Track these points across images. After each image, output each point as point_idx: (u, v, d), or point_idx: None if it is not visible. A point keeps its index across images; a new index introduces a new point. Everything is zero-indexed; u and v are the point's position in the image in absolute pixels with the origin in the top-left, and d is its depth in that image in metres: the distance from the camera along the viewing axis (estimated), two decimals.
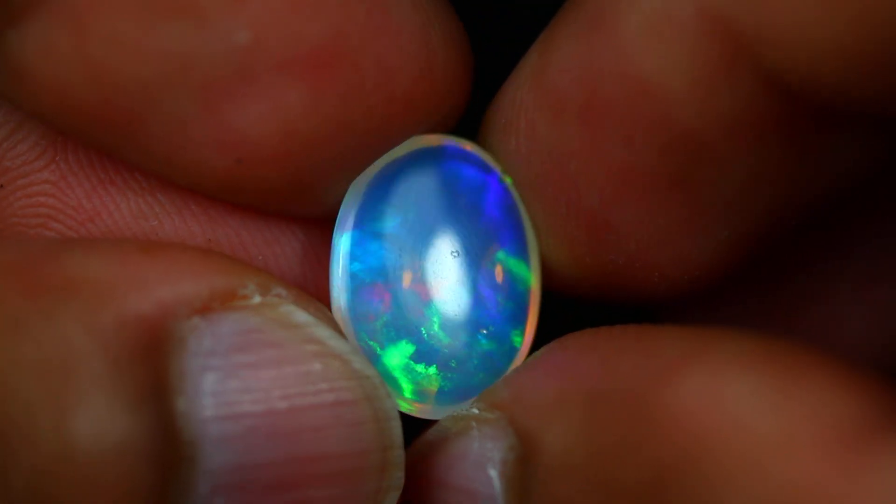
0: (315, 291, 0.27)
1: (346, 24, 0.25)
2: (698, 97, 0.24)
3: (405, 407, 0.27)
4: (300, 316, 0.25)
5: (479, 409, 0.27)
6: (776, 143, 0.25)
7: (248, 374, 0.24)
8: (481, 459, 0.26)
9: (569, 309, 0.30)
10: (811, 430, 0.22)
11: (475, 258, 0.28)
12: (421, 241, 0.28)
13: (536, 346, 0.28)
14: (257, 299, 0.25)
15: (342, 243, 0.27)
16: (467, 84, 0.28)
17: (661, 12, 0.24)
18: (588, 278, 0.28)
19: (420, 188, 0.28)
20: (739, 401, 0.23)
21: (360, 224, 0.27)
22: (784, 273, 0.31)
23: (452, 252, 0.28)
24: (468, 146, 0.28)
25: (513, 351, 0.28)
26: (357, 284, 0.27)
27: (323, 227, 0.28)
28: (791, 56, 0.23)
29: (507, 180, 0.28)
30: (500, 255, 0.28)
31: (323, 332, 0.25)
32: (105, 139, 0.26)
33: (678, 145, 0.25)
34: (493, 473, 0.26)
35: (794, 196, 0.26)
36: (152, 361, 0.24)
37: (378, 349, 0.27)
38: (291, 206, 0.28)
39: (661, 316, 0.32)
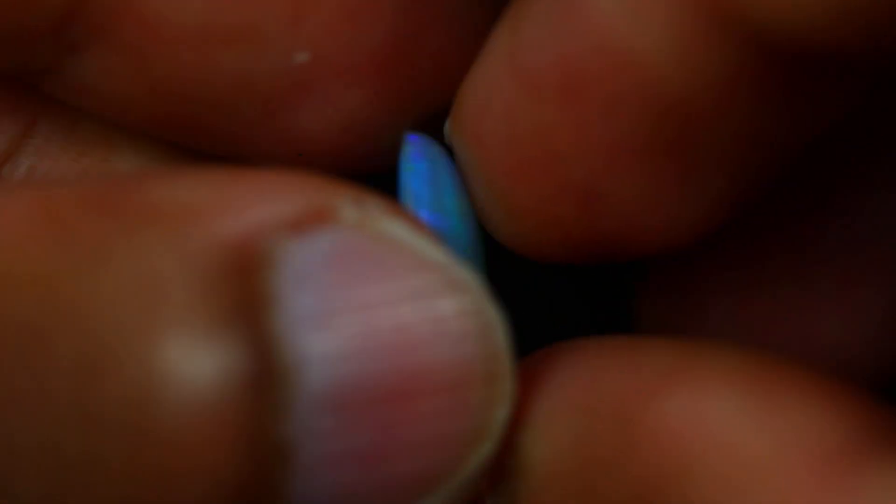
0: None
1: (402, 27, 0.26)
2: (680, 63, 0.24)
3: None
4: (397, 229, 0.24)
5: None
6: (764, 102, 0.25)
7: (344, 291, 0.23)
8: None
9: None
10: (794, 450, 0.22)
11: None
12: None
13: None
14: (351, 215, 0.24)
15: None
16: None
17: None
18: (577, 249, 0.28)
19: None
20: (722, 420, 0.23)
21: None
22: (763, 275, 0.31)
23: None
24: None
25: None
26: None
27: None
28: (773, 12, 0.23)
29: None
30: None
31: (421, 244, 0.24)
32: (170, 138, 0.27)
33: (664, 113, 0.25)
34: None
35: (784, 147, 0.26)
36: (245, 283, 0.23)
37: None
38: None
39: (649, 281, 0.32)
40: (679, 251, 0.28)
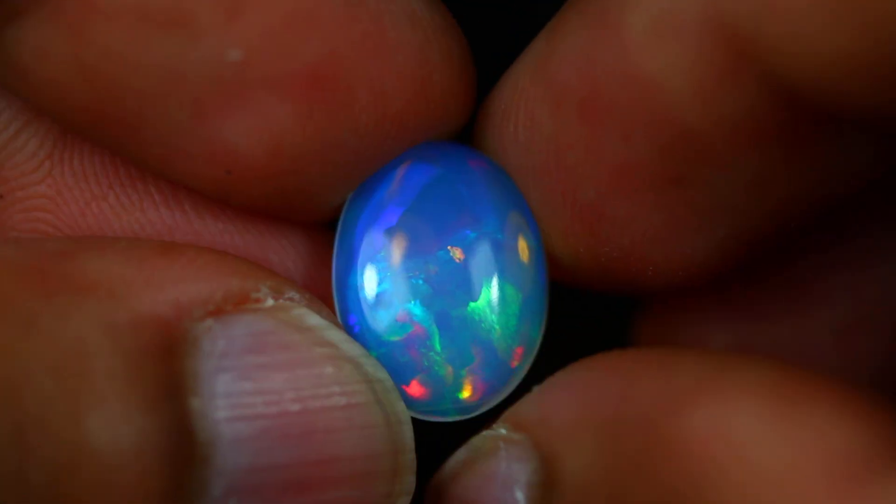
0: (319, 295, 0.28)
1: (341, 45, 0.26)
2: (700, 99, 0.24)
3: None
4: (312, 319, 0.25)
5: (505, 430, 0.27)
6: (777, 147, 0.25)
7: (260, 376, 0.24)
8: (509, 481, 0.26)
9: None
10: (815, 462, 0.22)
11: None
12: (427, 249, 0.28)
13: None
14: (270, 302, 0.25)
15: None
16: (468, 103, 0.28)
17: (667, 13, 0.24)
18: (583, 269, 0.28)
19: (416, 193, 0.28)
20: (747, 431, 0.23)
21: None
22: (763, 315, 0.30)
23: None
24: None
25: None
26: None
27: (323, 232, 0.29)
28: (796, 64, 0.23)
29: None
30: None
31: (335, 335, 0.25)
32: (101, 138, 0.27)
33: (677, 145, 0.25)
34: (520, 496, 0.26)
35: (795, 200, 0.26)
36: (167, 362, 0.24)
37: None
38: (284, 214, 0.28)
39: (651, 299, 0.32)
40: (680, 292, 0.28)
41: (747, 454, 0.22)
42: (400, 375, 0.27)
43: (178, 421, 0.24)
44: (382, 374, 0.26)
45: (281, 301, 0.25)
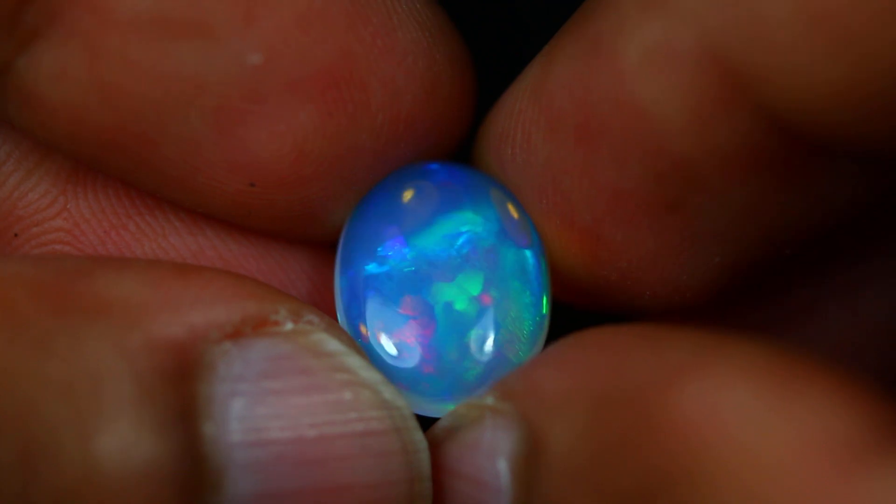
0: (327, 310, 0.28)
1: (354, 45, 0.26)
2: (694, 128, 0.24)
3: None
4: (331, 344, 0.25)
5: (492, 399, 0.27)
6: (771, 176, 0.25)
7: (276, 401, 0.24)
8: (492, 450, 0.26)
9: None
10: (815, 447, 0.22)
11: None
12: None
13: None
14: (289, 326, 0.25)
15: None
16: (471, 106, 0.28)
17: (662, 43, 0.24)
18: (581, 289, 0.28)
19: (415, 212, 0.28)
20: (738, 412, 0.23)
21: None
22: (772, 281, 0.31)
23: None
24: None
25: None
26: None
27: (330, 253, 0.29)
28: (789, 96, 0.23)
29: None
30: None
31: (354, 361, 0.25)
32: (119, 164, 0.27)
33: (672, 173, 0.25)
34: (503, 466, 0.26)
35: (788, 227, 0.26)
36: (181, 385, 0.24)
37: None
38: (300, 230, 0.28)
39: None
40: (676, 314, 0.29)
41: (739, 436, 0.22)
42: (398, 369, 0.27)
43: (190, 445, 0.24)
44: (400, 402, 0.26)
45: (300, 325, 0.25)
